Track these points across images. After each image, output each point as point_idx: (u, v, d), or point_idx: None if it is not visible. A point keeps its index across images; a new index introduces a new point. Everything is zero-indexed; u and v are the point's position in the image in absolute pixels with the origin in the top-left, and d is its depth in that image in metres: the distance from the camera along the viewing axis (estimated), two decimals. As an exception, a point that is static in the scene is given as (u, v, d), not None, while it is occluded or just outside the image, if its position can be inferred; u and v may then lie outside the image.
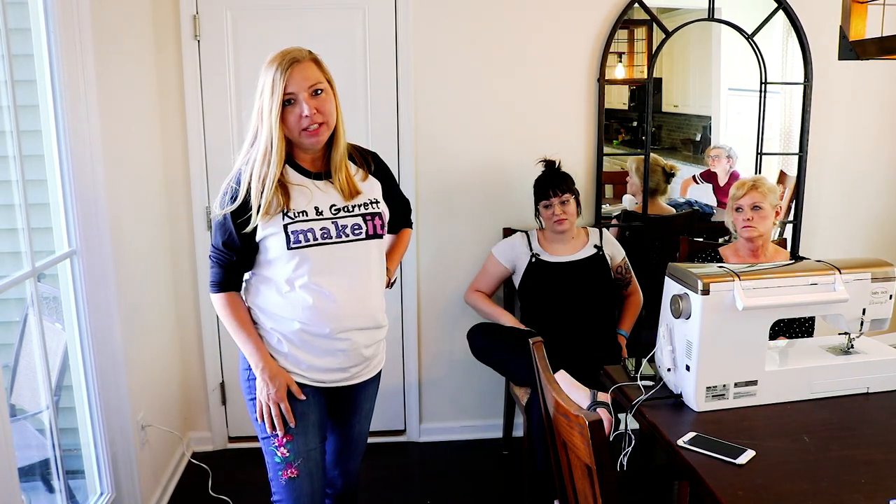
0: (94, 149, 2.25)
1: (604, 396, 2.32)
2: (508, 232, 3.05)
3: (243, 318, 1.82)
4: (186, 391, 3.16)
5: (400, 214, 2.08)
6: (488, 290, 2.96)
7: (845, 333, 1.96)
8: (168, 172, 2.98)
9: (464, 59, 3.00)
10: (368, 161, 1.92)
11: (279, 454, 1.83)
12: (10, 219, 2.07)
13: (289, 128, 1.73)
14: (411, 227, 2.18)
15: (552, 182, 2.76)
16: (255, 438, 3.21)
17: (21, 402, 2.30)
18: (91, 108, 2.23)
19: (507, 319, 2.83)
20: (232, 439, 3.26)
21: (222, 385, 3.19)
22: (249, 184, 1.74)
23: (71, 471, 2.37)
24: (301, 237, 1.74)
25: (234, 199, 1.74)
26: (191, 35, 2.88)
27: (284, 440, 1.82)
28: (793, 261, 2.55)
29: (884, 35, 2.01)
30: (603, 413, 2.24)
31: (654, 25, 3.05)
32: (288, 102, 1.72)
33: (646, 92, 3.09)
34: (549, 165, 2.84)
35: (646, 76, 3.09)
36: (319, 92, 1.73)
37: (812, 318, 2.60)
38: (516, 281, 2.89)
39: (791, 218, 3.27)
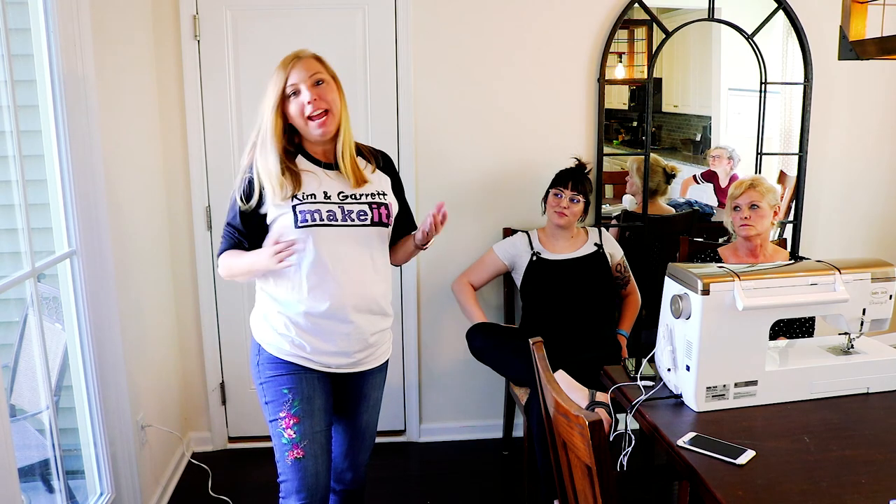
0: (94, 149, 2.25)
1: (602, 396, 2.32)
2: (509, 232, 3.05)
3: (239, 253, 1.88)
4: (186, 391, 3.17)
5: (404, 229, 2.09)
6: (479, 282, 2.97)
7: (845, 333, 1.96)
8: (168, 172, 2.98)
9: (464, 58, 3.00)
10: (378, 158, 2.01)
11: (286, 435, 1.88)
12: (10, 219, 2.07)
13: (294, 118, 1.83)
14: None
15: (574, 177, 2.80)
16: (255, 438, 3.22)
17: (21, 402, 2.30)
18: (91, 109, 2.23)
19: (479, 319, 2.85)
20: (232, 439, 3.26)
21: (222, 385, 3.19)
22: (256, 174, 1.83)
23: (71, 471, 2.36)
24: (308, 217, 1.82)
25: (249, 193, 1.84)
26: (191, 35, 2.88)
27: (291, 422, 1.87)
28: (793, 261, 2.55)
29: (884, 35, 2.01)
30: (601, 413, 2.24)
31: (654, 25, 3.05)
32: (293, 94, 1.82)
33: (646, 92, 3.09)
34: (580, 163, 2.89)
35: (646, 76, 3.09)
36: (321, 83, 1.83)
37: (812, 318, 2.60)
38: (518, 280, 2.89)
39: (791, 218, 3.27)
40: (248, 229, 1.87)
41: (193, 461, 3.10)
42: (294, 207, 1.82)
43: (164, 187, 2.98)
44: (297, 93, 1.81)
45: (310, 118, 1.81)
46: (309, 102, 1.79)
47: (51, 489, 2.27)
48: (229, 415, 3.23)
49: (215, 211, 3.02)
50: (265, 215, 1.86)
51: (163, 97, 2.92)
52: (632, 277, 2.95)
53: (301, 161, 1.88)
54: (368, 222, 1.88)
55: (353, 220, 1.86)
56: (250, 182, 1.84)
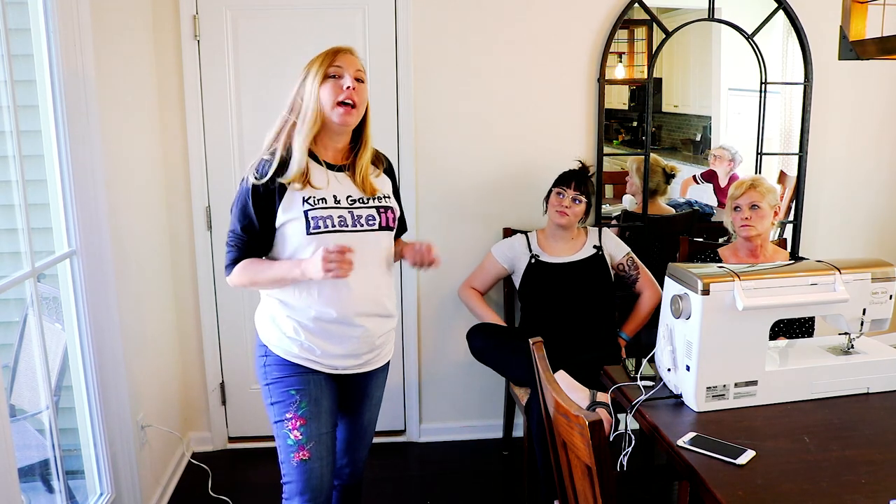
0: (94, 149, 2.25)
1: (603, 397, 2.32)
2: (509, 232, 3.05)
3: (264, 262, 1.86)
4: (186, 391, 3.16)
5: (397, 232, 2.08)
6: (483, 287, 2.97)
7: (845, 333, 1.96)
8: (168, 172, 2.98)
9: (464, 59, 3.00)
10: (382, 160, 2.02)
11: (292, 437, 1.88)
12: (10, 219, 2.07)
13: (324, 100, 1.81)
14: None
15: (577, 177, 2.79)
16: (255, 438, 3.22)
17: (21, 402, 2.30)
18: (91, 109, 2.23)
19: (493, 321, 2.85)
20: (232, 439, 3.26)
21: (222, 385, 3.19)
22: (283, 153, 1.81)
23: (71, 471, 2.36)
24: (320, 223, 1.81)
25: (264, 174, 1.80)
26: (191, 35, 2.88)
27: (298, 423, 1.87)
28: (793, 261, 2.55)
29: (884, 35, 2.01)
30: (602, 413, 2.24)
31: (654, 25, 3.05)
32: (332, 76, 1.81)
33: (646, 92, 3.09)
34: (583, 166, 2.89)
35: (646, 76, 3.09)
36: (361, 80, 1.85)
37: (812, 318, 2.60)
38: (517, 281, 2.89)
39: (791, 218, 3.27)
40: (263, 227, 1.82)
41: (193, 461, 3.10)
42: (306, 213, 1.81)
43: (164, 187, 2.98)
44: (338, 76, 1.81)
45: (340, 103, 1.80)
46: (348, 87, 1.80)
47: (51, 489, 2.27)
48: (229, 415, 3.23)
49: (215, 211, 3.02)
50: (277, 212, 1.82)
51: (163, 97, 2.92)
52: (643, 273, 2.90)
53: (310, 163, 1.86)
54: (377, 227, 1.89)
55: (362, 225, 1.86)
56: (264, 171, 1.80)
